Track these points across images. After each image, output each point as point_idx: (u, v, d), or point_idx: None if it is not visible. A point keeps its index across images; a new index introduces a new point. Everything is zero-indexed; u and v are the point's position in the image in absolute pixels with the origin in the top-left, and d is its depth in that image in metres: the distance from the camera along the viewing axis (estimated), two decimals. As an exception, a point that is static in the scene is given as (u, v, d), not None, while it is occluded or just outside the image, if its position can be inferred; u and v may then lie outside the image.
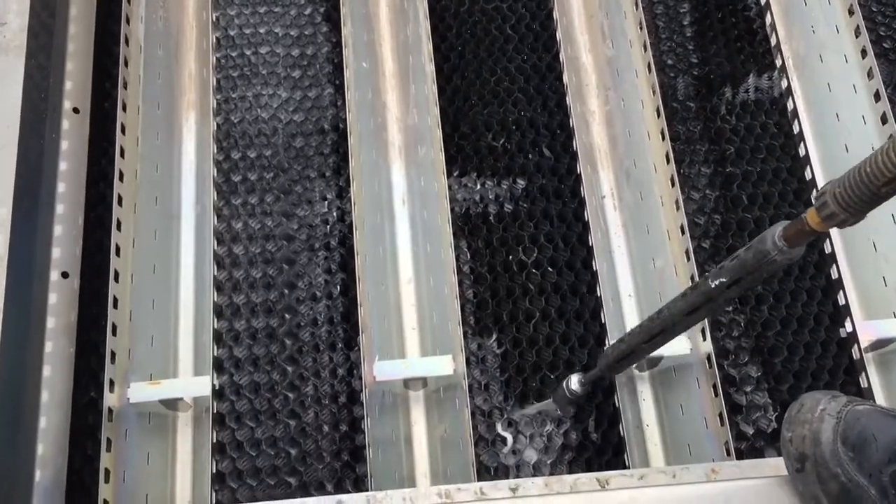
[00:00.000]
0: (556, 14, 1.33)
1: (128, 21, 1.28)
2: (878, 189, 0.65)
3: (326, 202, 1.34)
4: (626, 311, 1.18)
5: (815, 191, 1.11)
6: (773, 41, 1.31)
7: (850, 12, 1.29)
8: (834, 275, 1.17)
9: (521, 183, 1.32)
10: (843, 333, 1.16)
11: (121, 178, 1.19)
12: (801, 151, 1.25)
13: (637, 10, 1.31)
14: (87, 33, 1.32)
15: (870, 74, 1.25)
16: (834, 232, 1.19)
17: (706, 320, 1.12)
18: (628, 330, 0.97)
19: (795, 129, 1.26)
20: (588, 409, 1.18)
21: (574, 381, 1.04)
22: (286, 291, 1.28)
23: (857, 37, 1.27)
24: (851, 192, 0.67)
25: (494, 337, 1.22)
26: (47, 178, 1.22)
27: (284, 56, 1.42)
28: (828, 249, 1.19)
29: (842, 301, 1.14)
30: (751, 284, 0.80)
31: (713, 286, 0.82)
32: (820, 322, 1.20)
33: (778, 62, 1.30)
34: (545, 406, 1.14)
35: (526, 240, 1.29)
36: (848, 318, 1.12)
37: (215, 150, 1.28)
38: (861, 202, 0.67)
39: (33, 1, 1.13)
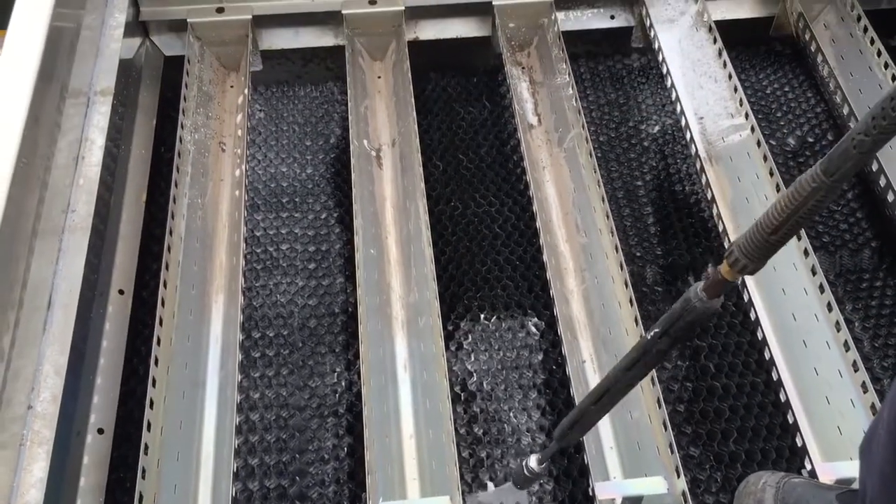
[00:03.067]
0: (535, 210, 1.56)
1: (172, 217, 1.50)
2: (768, 237, 0.81)
3: (336, 374, 1.49)
4: (608, 460, 1.30)
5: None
6: (720, 228, 1.52)
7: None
8: (790, 419, 1.30)
9: (511, 355, 1.49)
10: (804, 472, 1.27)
11: (158, 343, 1.35)
12: (759, 333, 1.42)
13: (603, 203, 1.55)
14: (136, 223, 1.55)
15: (806, 253, 1.46)
16: (789, 384, 1.33)
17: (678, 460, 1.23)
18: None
19: (752, 315, 1.44)
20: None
21: (532, 461, 1.10)
22: (297, 455, 1.40)
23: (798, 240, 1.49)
24: (751, 242, 0.83)
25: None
26: (91, 352, 1.38)
27: (302, 251, 1.64)
28: (783, 398, 1.32)
29: (799, 442, 1.26)
30: (678, 334, 0.92)
31: (648, 338, 0.94)
32: (781, 456, 1.33)
33: (726, 247, 1.51)
34: (503, 490, 1.18)
35: (517, 404, 1.43)
36: (807, 457, 1.24)
37: (239, 329, 1.45)
38: (759, 250, 0.82)
39: (98, 195, 1.36)
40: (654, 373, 1.34)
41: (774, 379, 1.36)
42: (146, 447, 1.25)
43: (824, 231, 1.65)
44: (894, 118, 0.71)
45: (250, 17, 1.84)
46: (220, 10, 1.84)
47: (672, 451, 1.26)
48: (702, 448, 1.38)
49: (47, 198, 1.32)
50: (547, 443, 1.36)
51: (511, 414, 1.43)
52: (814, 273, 1.43)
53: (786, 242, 0.82)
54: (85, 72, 1.54)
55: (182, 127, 1.66)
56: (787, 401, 1.31)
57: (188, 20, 1.82)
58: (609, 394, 1.00)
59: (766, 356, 1.38)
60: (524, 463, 1.11)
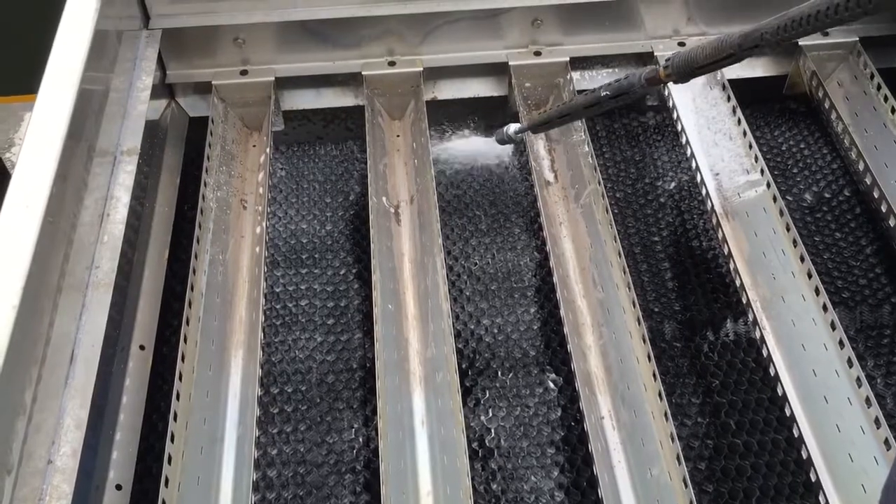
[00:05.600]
0: (553, 265, 1.57)
1: (194, 272, 1.53)
2: (694, 70, 1.19)
3: (353, 430, 1.49)
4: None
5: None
6: (738, 283, 1.52)
7: (801, 259, 1.52)
8: (813, 477, 1.28)
9: (529, 410, 1.48)
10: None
11: (177, 398, 1.36)
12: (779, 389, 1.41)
13: (620, 258, 1.55)
14: (158, 279, 1.57)
15: (825, 308, 1.45)
16: (811, 441, 1.31)
17: None
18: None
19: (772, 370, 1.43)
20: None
21: (512, 128, 1.68)
22: (314, 512, 1.39)
23: (809, 278, 1.49)
24: (682, 64, 1.20)
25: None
26: (111, 407, 1.40)
27: (321, 307, 1.65)
28: (804, 455, 1.31)
29: (822, 501, 1.24)
30: (619, 102, 1.35)
31: (602, 95, 1.36)
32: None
33: (744, 301, 1.51)
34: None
35: (534, 464, 1.42)
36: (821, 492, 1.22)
37: (258, 384, 1.46)
38: (684, 73, 1.21)
39: (121, 252, 1.39)
40: (673, 430, 1.33)
41: (796, 436, 1.34)
42: (163, 502, 1.25)
43: (843, 286, 1.65)
44: (794, 34, 1.02)
45: (273, 78, 1.89)
46: (243, 73, 1.89)
47: (693, 510, 1.24)
48: (716, 485, 1.36)
49: (72, 254, 1.34)
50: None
51: (529, 472, 1.42)
52: (833, 328, 1.43)
53: (697, 76, 1.21)
54: (112, 132, 1.58)
55: (205, 185, 1.69)
56: (809, 458, 1.30)
57: (213, 82, 1.87)
58: (569, 117, 1.52)
59: (787, 413, 1.37)
60: (504, 129, 1.69)
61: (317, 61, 1.92)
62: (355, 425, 1.49)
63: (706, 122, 1.79)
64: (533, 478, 1.42)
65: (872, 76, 1.83)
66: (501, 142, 1.73)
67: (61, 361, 1.24)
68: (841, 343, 1.41)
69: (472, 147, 1.94)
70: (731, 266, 1.56)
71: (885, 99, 1.78)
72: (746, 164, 1.70)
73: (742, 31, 1.08)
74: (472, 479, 1.31)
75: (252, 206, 1.73)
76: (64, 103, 1.38)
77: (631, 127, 1.99)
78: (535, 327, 1.60)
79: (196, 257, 1.55)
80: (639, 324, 1.47)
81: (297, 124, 1.99)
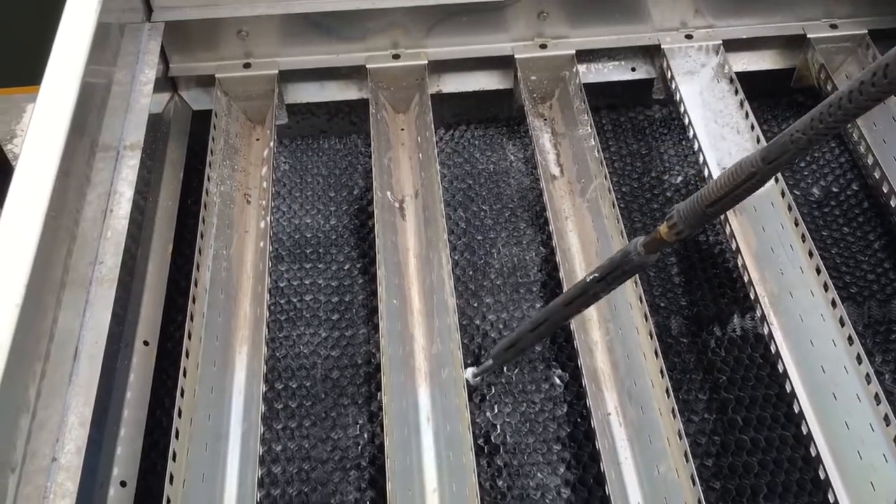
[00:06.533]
0: (559, 260, 1.56)
1: (198, 268, 1.52)
2: (705, 209, 0.92)
3: (358, 426, 1.48)
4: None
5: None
6: (745, 279, 1.51)
7: (810, 254, 1.51)
8: (822, 474, 1.27)
9: (535, 406, 1.47)
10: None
11: (182, 395, 1.35)
12: (787, 386, 1.39)
13: (627, 254, 1.54)
14: (162, 274, 1.57)
15: (833, 304, 1.44)
16: (819, 438, 1.30)
17: None
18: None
19: (780, 367, 1.41)
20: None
21: (469, 373, 1.34)
22: (319, 509, 1.39)
23: (818, 274, 1.48)
24: (690, 211, 0.95)
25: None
26: (115, 403, 1.39)
27: (325, 302, 1.64)
28: (813, 452, 1.30)
29: (832, 499, 1.23)
30: (613, 281, 1.05)
31: (588, 280, 1.07)
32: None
33: (752, 297, 1.50)
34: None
35: (541, 460, 1.41)
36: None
37: (263, 380, 1.45)
38: (695, 218, 0.94)
39: (125, 247, 1.38)
40: (681, 427, 1.32)
41: (804, 433, 1.33)
42: (168, 501, 1.24)
43: (851, 282, 1.64)
44: (830, 123, 0.80)
45: (276, 72, 1.87)
46: (247, 66, 1.88)
47: (701, 507, 1.23)
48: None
49: (75, 250, 1.33)
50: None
51: (535, 468, 1.41)
52: (842, 324, 1.42)
53: (718, 216, 0.98)
54: (115, 126, 1.57)
55: (208, 179, 1.68)
56: (818, 455, 1.28)
57: (216, 75, 1.86)
58: (546, 324, 1.17)
59: (796, 409, 1.35)
60: (464, 375, 1.36)
61: (321, 54, 1.90)
62: (360, 421, 1.48)
63: (713, 116, 1.78)
64: (539, 474, 1.41)
65: (881, 69, 1.81)
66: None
67: (65, 358, 1.23)
68: (850, 339, 1.39)
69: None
70: (739, 261, 1.55)
71: (894, 92, 1.76)
72: (754, 159, 1.69)
73: (763, 146, 0.87)
74: (478, 475, 1.31)
75: (256, 200, 1.71)
76: (66, 98, 1.37)
77: (637, 120, 1.97)
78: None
79: (200, 252, 1.54)
80: (646, 320, 1.46)
81: (300, 118, 1.98)
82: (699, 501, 1.24)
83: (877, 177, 1.66)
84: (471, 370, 1.32)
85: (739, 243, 1.55)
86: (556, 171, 1.76)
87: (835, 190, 1.79)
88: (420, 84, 1.88)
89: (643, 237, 1.02)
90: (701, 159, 1.71)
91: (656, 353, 1.42)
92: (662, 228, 0.97)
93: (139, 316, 1.49)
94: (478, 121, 1.97)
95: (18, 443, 1.10)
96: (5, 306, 1.09)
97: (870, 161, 1.69)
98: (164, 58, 1.84)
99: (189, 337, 1.43)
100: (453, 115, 1.97)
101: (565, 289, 1.51)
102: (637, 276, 1.51)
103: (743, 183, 0.88)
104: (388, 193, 1.70)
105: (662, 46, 1.90)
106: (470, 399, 1.43)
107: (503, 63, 1.93)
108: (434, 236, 1.61)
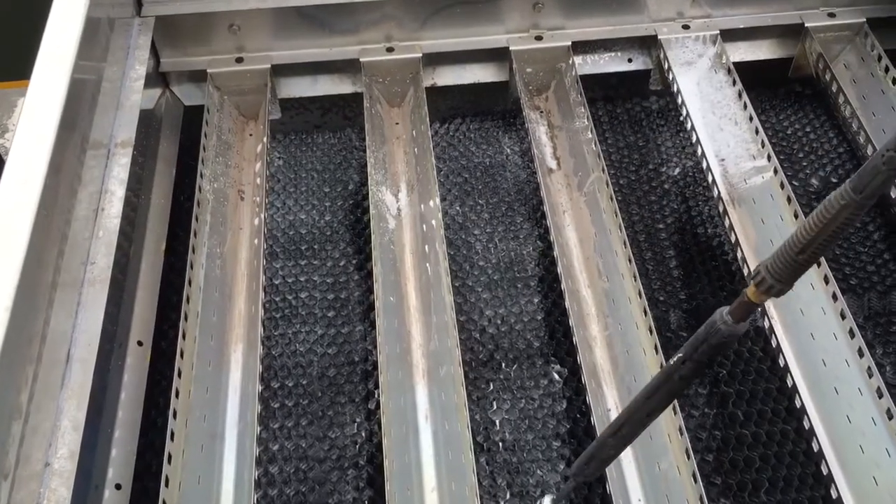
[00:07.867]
0: (556, 255, 1.54)
1: (191, 266, 1.50)
2: (796, 257, 0.80)
3: (356, 424, 1.46)
4: (636, 513, 1.26)
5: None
6: (745, 272, 1.50)
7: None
8: (824, 469, 1.26)
9: (534, 402, 1.46)
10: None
11: (177, 395, 1.33)
12: (788, 380, 1.38)
13: (625, 247, 1.53)
14: (156, 273, 1.55)
15: (834, 297, 1.43)
16: (821, 433, 1.29)
17: None
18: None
19: (781, 361, 1.40)
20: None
21: (547, 501, 1.07)
22: (317, 508, 1.37)
23: (818, 266, 1.46)
24: (778, 263, 0.81)
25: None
26: (109, 404, 1.37)
27: (321, 299, 1.62)
28: (815, 447, 1.29)
29: (834, 494, 1.22)
30: (702, 359, 0.89)
31: (671, 363, 0.91)
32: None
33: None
34: None
35: (540, 457, 1.40)
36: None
37: (258, 379, 1.43)
38: (786, 270, 0.81)
39: (117, 246, 1.36)
40: (681, 423, 1.31)
41: (806, 427, 1.32)
42: (164, 503, 1.22)
43: (851, 273, 1.62)
44: None
45: (269, 66, 1.85)
46: (239, 61, 1.86)
47: (702, 504, 1.22)
48: (732, 500, 1.34)
49: (67, 250, 1.31)
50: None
51: (535, 465, 1.40)
52: (843, 317, 1.40)
53: (813, 263, 0.81)
54: (106, 123, 1.55)
55: (201, 176, 1.66)
56: (820, 450, 1.27)
57: (208, 70, 1.84)
58: (628, 424, 0.97)
59: (797, 404, 1.34)
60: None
61: (313, 48, 1.88)
62: (357, 420, 1.47)
63: (711, 107, 1.76)
64: (539, 471, 1.40)
65: (880, 58, 1.80)
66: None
67: (57, 361, 1.21)
68: (851, 332, 1.38)
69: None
70: (739, 254, 1.53)
71: (893, 81, 1.75)
72: (753, 150, 1.67)
73: (853, 176, 0.78)
74: (477, 473, 1.29)
75: (250, 196, 1.69)
76: (56, 94, 1.35)
77: (634, 112, 1.95)
78: (539, 318, 1.58)
79: (193, 251, 1.53)
80: (645, 314, 1.44)
81: (294, 112, 1.95)
82: (701, 498, 1.23)
83: (876, 167, 1.64)
84: (549, 498, 1.12)
85: (739, 236, 1.54)
86: (552, 164, 1.75)
87: (834, 180, 1.78)
88: (415, 77, 1.86)
89: (727, 306, 0.88)
90: (699, 150, 1.69)
91: (656, 348, 1.40)
92: (749, 290, 0.84)
93: (133, 315, 1.47)
94: (473, 114, 1.95)
95: (11, 448, 1.08)
96: (-4, 308, 1.07)
97: (869, 151, 1.68)
98: (154, 53, 1.81)
99: (183, 336, 1.41)
100: (448, 108, 1.95)
101: (563, 283, 1.50)
102: (636, 271, 1.50)
103: (834, 220, 0.77)
104: (384, 188, 1.69)
105: (659, 37, 1.88)
106: (468, 396, 1.42)
107: (498, 55, 1.91)
108: (430, 231, 1.59)
